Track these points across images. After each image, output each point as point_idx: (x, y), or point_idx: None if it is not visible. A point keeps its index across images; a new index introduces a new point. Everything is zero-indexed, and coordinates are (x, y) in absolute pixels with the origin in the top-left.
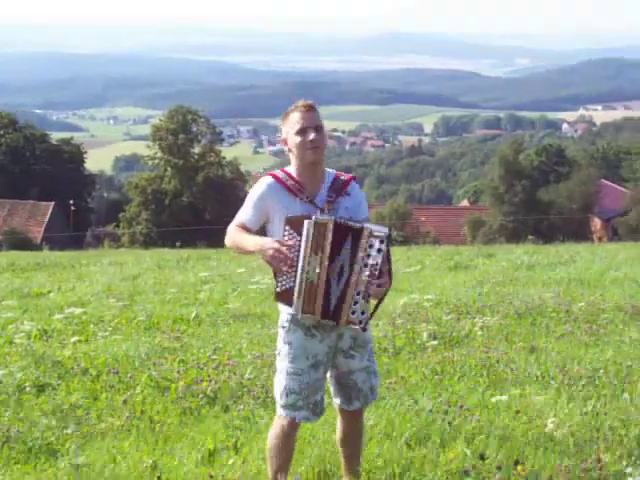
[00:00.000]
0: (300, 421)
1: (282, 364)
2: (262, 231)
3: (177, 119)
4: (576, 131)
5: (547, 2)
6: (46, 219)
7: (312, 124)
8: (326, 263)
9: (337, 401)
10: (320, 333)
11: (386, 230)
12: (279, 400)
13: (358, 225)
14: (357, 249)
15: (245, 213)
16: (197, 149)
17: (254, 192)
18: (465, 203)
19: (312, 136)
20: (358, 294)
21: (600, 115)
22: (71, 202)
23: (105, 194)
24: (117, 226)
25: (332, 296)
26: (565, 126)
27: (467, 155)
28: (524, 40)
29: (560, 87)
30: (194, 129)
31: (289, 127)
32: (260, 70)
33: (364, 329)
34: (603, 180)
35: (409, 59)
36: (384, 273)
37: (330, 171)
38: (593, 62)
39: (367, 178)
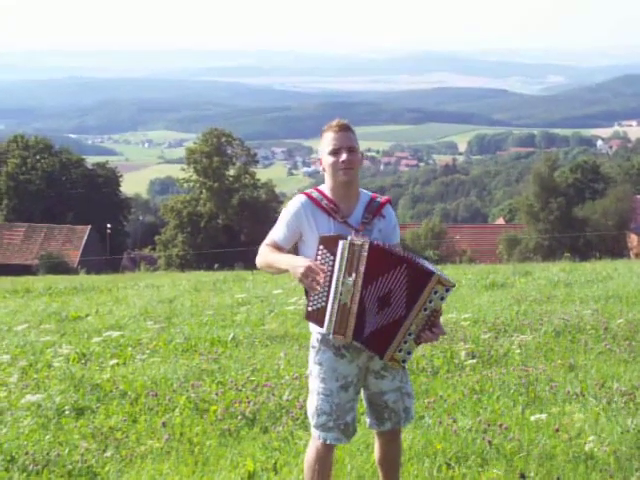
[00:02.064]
0: (331, 442)
1: (314, 384)
2: (294, 250)
3: (211, 142)
4: (610, 147)
5: (576, 17)
6: (82, 243)
7: (345, 145)
8: (360, 285)
9: (370, 421)
10: (350, 354)
11: (454, 282)
12: (311, 420)
13: (429, 268)
14: (421, 292)
15: (277, 232)
16: (232, 171)
17: (287, 211)
18: (500, 221)
19: (344, 157)
20: (410, 334)
21: (634, 131)
22: (107, 226)
23: (141, 217)
24: (153, 249)
25: (367, 321)
26: (599, 142)
27: (501, 173)
28: (554, 56)
29: (593, 103)
30: (228, 151)
31: (323, 146)
32: (291, 91)
33: (403, 368)
34: (638, 196)
35: (439, 77)
36: (438, 322)
37: (366, 192)
38: (625, 78)
39: (402, 198)
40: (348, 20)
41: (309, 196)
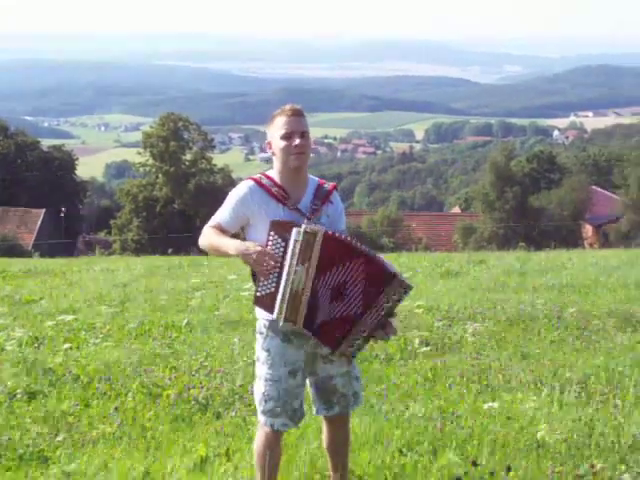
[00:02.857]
0: (278, 428)
1: (261, 370)
2: (241, 235)
3: (168, 126)
4: (567, 138)
5: (533, 8)
6: (37, 226)
7: (298, 129)
8: (312, 273)
9: (317, 408)
10: (298, 339)
11: (412, 284)
12: (258, 406)
13: (390, 269)
14: (380, 292)
15: (223, 215)
16: (188, 156)
17: (235, 195)
18: (456, 210)
19: (297, 142)
20: (363, 332)
21: (591, 122)
22: (62, 209)
23: (96, 201)
24: (108, 233)
25: (320, 311)
26: (556, 133)
27: (458, 162)
28: (512, 46)
29: (551, 94)
30: (185, 136)
31: (274, 130)
32: (250, 77)
33: (349, 363)
34: (594, 187)
35: (397, 66)
36: (391, 322)
37: (313, 178)
38: (584, 69)
39: (358, 185)
40: (308, 6)
41: (257, 182)
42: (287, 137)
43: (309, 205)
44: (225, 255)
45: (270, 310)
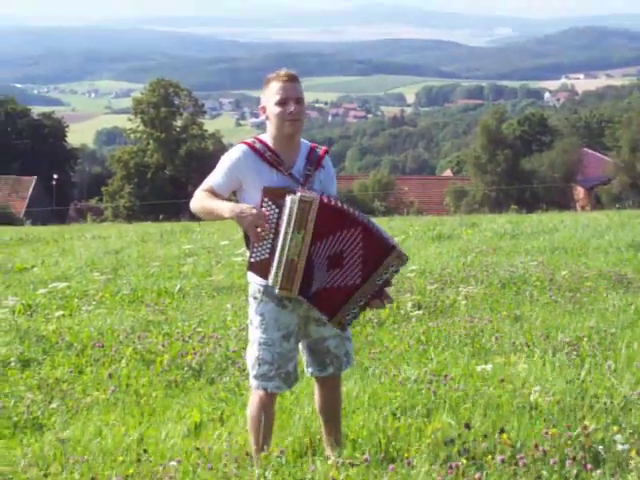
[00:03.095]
0: (272, 391)
1: (254, 335)
2: (233, 199)
3: (159, 92)
4: (558, 100)
5: None
6: (28, 194)
7: (293, 95)
8: (309, 241)
9: (311, 369)
10: (292, 304)
11: (407, 257)
12: (252, 371)
13: (390, 241)
14: (380, 264)
15: (216, 178)
16: (179, 122)
17: (228, 159)
18: (448, 173)
19: (292, 108)
20: (360, 302)
21: (582, 84)
22: (53, 177)
23: (87, 168)
24: (100, 200)
25: (315, 278)
26: (547, 95)
27: (449, 125)
28: (503, 9)
29: (542, 56)
30: (176, 102)
31: (269, 96)
32: (240, 42)
33: (344, 329)
34: (585, 149)
35: (387, 29)
36: (387, 291)
37: (305, 142)
38: (574, 30)
39: (350, 149)
40: None
41: (251, 146)
42: (282, 103)
43: (302, 171)
44: (218, 218)
45: (265, 276)
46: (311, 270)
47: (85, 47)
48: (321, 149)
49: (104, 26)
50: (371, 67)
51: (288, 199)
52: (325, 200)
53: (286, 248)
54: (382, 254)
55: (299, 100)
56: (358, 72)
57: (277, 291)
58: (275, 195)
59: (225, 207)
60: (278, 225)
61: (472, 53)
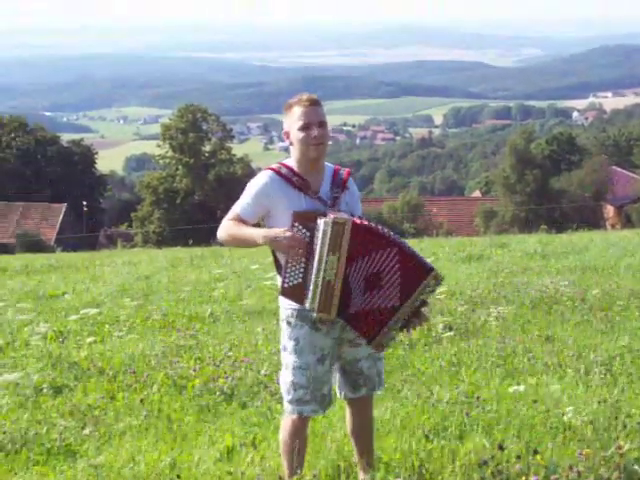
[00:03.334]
0: (308, 415)
1: (288, 360)
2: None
3: (187, 118)
4: (586, 119)
5: None
6: (59, 221)
7: (315, 120)
8: (344, 262)
9: (343, 391)
10: (326, 327)
11: (443, 277)
12: (286, 396)
13: (427, 264)
14: (417, 285)
15: (243, 206)
16: (208, 147)
17: (254, 185)
18: (477, 194)
19: (316, 132)
20: (398, 323)
21: (610, 102)
22: (83, 203)
23: (117, 194)
24: (130, 226)
25: (352, 301)
26: (575, 114)
27: (478, 146)
28: (528, 28)
29: (569, 75)
30: (204, 127)
31: (292, 121)
32: (267, 67)
33: (382, 351)
34: (614, 167)
35: (414, 51)
36: (424, 311)
37: (328, 165)
38: (601, 49)
39: (378, 172)
40: None
41: (277, 171)
42: (305, 128)
43: (329, 193)
44: (249, 245)
45: (299, 301)
46: (348, 292)
47: (114, 74)
48: (345, 171)
49: (133, 53)
50: (399, 89)
51: (321, 222)
52: (358, 221)
53: (322, 270)
54: (420, 276)
55: (322, 124)
56: (386, 94)
57: (315, 315)
58: (305, 219)
59: (257, 234)
60: (310, 249)
61: (499, 73)
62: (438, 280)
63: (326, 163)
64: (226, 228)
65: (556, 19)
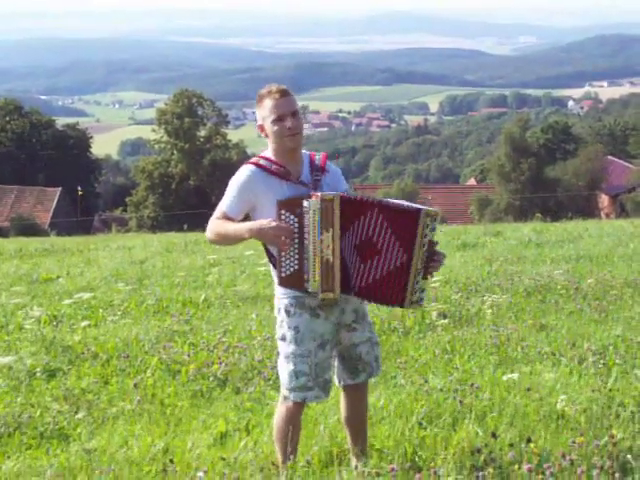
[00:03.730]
0: (311, 401)
1: (288, 349)
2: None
3: (182, 102)
4: (582, 108)
5: None
6: (53, 205)
7: (288, 110)
8: (338, 238)
9: (342, 378)
10: (325, 312)
11: (437, 209)
12: (287, 384)
13: (412, 206)
14: (415, 231)
15: (228, 203)
16: (203, 132)
17: (237, 182)
18: (472, 182)
19: (290, 124)
20: (419, 274)
21: (606, 92)
22: (78, 187)
23: (112, 179)
24: (124, 210)
25: (351, 273)
26: (571, 103)
27: (473, 134)
28: (526, 17)
29: (565, 64)
30: (200, 112)
31: (264, 114)
32: (263, 52)
33: (420, 306)
34: (610, 157)
35: (410, 38)
36: (436, 250)
37: (304, 152)
38: (597, 38)
39: (373, 159)
40: None
41: (256, 164)
42: (278, 120)
43: (309, 177)
44: (238, 241)
45: (300, 287)
46: (345, 265)
47: (109, 58)
48: (320, 155)
49: (129, 37)
50: (394, 76)
51: (308, 202)
52: (345, 195)
53: (318, 250)
54: (412, 221)
55: (295, 113)
56: (382, 81)
57: (320, 296)
58: (291, 205)
59: (243, 227)
60: (301, 233)
61: (496, 61)
62: (433, 216)
63: (302, 151)
64: (213, 227)
65: (553, 8)
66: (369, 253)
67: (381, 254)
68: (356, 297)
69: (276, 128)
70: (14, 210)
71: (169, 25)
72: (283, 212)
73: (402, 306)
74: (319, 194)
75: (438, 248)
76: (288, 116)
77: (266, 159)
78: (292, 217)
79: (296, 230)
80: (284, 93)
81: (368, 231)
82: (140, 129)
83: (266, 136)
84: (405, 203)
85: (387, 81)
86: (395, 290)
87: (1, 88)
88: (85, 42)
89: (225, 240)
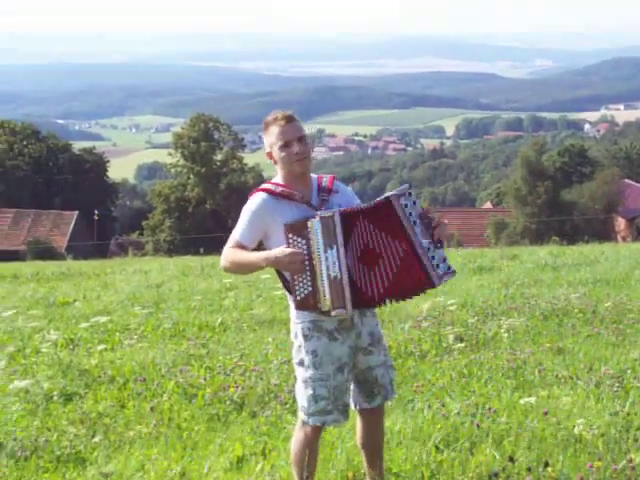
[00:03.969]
0: (330, 424)
1: (306, 373)
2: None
3: (199, 127)
4: (598, 131)
5: (566, 2)
6: (70, 228)
7: (294, 136)
8: (343, 254)
9: (358, 401)
10: (342, 335)
11: (406, 185)
12: (306, 409)
13: (384, 199)
14: (397, 217)
15: (241, 232)
16: (219, 156)
17: (248, 210)
18: (488, 205)
19: (297, 149)
20: (429, 249)
21: (622, 115)
22: (95, 211)
23: (128, 203)
24: (141, 234)
25: (365, 283)
26: (587, 126)
27: (489, 157)
28: (541, 40)
29: (581, 87)
30: (216, 136)
31: (271, 141)
32: (280, 76)
33: (454, 272)
34: (626, 180)
35: (426, 61)
36: (431, 216)
37: (312, 176)
38: (613, 62)
39: (390, 182)
40: (333, 3)
41: (267, 190)
42: (285, 146)
43: (317, 199)
44: (253, 270)
45: (315, 308)
46: (353, 278)
47: (126, 82)
48: (327, 177)
49: (145, 62)
50: (411, 100)
51: (310, 223)
52: (342, 210)
53: (325, 269)
54: (390, 212)
55: (301, 139)
56: (398, 105)
57: (332, 314)
58: (298, 228)
59: (259, 258)
60: (310, 254)
61: (511, 85)
62: (405, 195)
63: (312, 175)
64: (227, 256)
65: (568, 32)
66: (373, 259)
67: (383, 255)
68: (383, 304)
69: (283, 154)
70: (31, 234)
71: (184, 49)
72: (291, 236)
73: (434, 285)
74: (318, 213)
75: (430, 214)
76: (295, 142)
77: (274, 184)
78: (300, 240)
79: (306, 252)
80: (289, 119)
81: (363, 239)
82: (157, 153)
83: (275, 163)
84: (377, 200)
85: (403, 105)
86: (416, 276)
87: (18, 112)
88: (101, 66)
89: (241, 269)
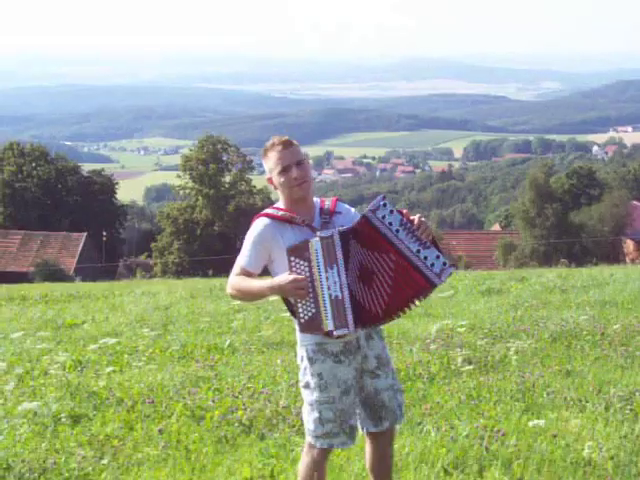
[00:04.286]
0: (338, 447)
1: (312, 396)
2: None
3: (207, 149)
4: (606, 153)
5: (574, 25)
6: (78, 250)
7: (292, 161)
8: (344, 274)
9: (365, 425)
10: (347, 358)
11: (379, 196)
12: (313, 432)
13: (361, 217)
14: (378, 231)
15: (246, 259)
16: (227, 178)
17: (251, 236)
18: (496, 227)
19: (295, 174)
20: (419, 251)
21: (630, 136)
22: (103, 233)
23: (137, 224)
24: (149, 256)
25: (368, 302)
26: (595, 148)
27: (497, 179)
28: (549, 63)
29: (589, 109)
30: (224, 158)
31: (271, 167)
32: (288, 98)
33: (456, 266)
34: (635, 202)
35: (434, 84)
36: (412, 217)
37: (315, 199)
38: (621, 83)
39: (398, 204)
40: (341, 27)
41: (269, 215)
42: (284, 171)
43: (319, 221)
44: (259, 298)
45: (319, 330)
46: (354, 296)
47: (135, 105)
48: (330, 199)
49: (153, 84)
50: (419, 122)
51: (310, 244)
52: (341, 230)
53: (326, 289)
54: (370, 229)
55: (300, 163)
56: (405, 127)
57: (335, 333)
58: (299, 251)
59: (264, 286)
60: (312, 276)
61: (519, 107)
62: (380, 207)
63: (314, 198)
64: (233, 284)
65: (576, 54)
66: (368, 277)
67: (375, 272)
68: (390, 318)
69: (283, 179)
70: (39, 255)
71: (193, 71)
72: (293, 258)
73: (434, 284)
74: (318, 233)
75: (411, 216)
76: (293, 166)
77: (276, 209)
78: (302, 262)
79: (308, 274)
80: (287, 144)
81: (357, 258)
82: (165, 175)
83: (275, 188)
84: (356, 220)
85: (411, 127)
86: (413, 281)
87: (28, 134)
88: (110, 89)
89: (246, 297)
